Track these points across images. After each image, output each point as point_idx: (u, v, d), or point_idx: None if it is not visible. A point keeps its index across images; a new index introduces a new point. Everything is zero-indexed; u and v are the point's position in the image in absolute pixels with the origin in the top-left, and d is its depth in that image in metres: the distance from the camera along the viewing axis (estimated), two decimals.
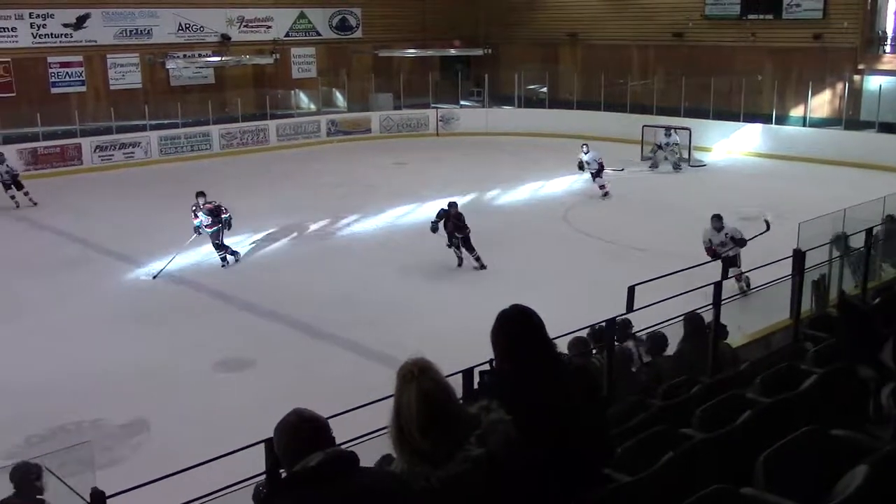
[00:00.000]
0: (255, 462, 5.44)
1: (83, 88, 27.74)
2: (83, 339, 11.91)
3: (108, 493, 5.45)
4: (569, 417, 3.40)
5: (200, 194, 15.65)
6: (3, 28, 26.11)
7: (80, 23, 27.48)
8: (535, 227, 18.05)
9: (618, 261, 14.80)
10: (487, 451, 2.99)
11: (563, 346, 7.05)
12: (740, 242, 13.03)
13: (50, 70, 27.13)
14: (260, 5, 31.21)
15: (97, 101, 27.58)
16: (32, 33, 26.66)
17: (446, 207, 15.08)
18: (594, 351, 7.44)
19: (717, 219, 13.28)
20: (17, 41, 26.38)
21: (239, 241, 16.92)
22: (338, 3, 32.96)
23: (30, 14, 26.51)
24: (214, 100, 28.66)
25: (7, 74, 26.29)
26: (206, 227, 15.36)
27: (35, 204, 20.49)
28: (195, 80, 29.84)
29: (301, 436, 2.99)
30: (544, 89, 31.35)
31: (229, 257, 15.64)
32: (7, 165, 20.69)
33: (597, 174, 20.48)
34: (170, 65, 29.03)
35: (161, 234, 17.32)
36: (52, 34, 27.04)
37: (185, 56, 29.45)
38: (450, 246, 15.03)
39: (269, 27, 31.57)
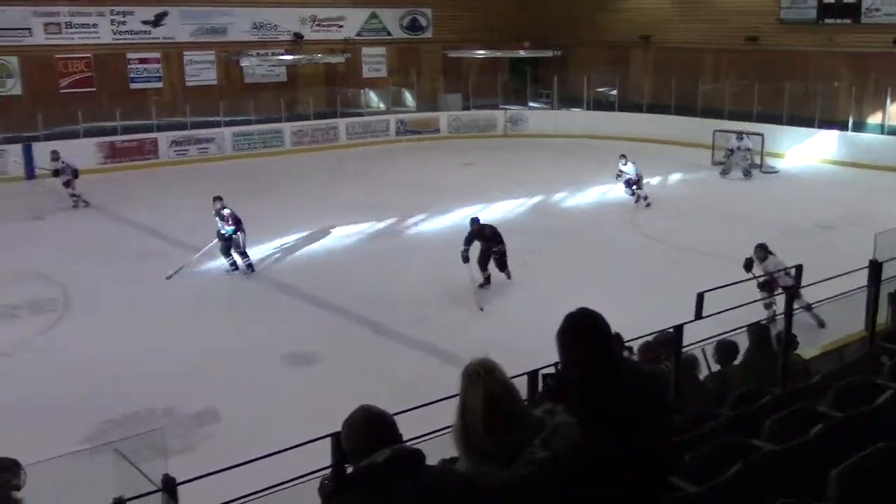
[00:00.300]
0: (322, 456, 5.54)
1: (160, 84, 28.45)
2: (157, 328, 12.22)
3: (178, 480, 5.60)
4: (634, 423, 3.38)
5: (217, 199, 15.35)
6: (85, 24, 26.92)
7: (158, 20, 28.19)
8: (601, 230, 17.91)
9: (685, 266, 14.60)
10: (552, 454, 2.99)
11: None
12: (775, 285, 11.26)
13: (129, 66, 27.89)
14: (332, 5, 31.59)
15: (173, 97, 28.24)
16: (113, 30, 27.43)
17: (472, 227, 13.86)
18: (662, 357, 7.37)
19: (760, 249, 11.97)
20: (98, 37, 27.17)
21: (307, 237, 17.22)
22: (409, 4, 33.16)
23: (110, 11, 27.29)
24: (287, 97, 29.12)
25: (88, 70, 27.09)
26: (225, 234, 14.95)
27: (84, 205, 20.27)
28: (268, 78, 30.35)
29: (368, 432, 3.02)
30: (614, 91, 31.07)
31: (241, 264, 15.06)
32: (62, 162, 20.52)
33: (636, 185, 19.97)
34: (244, 62, 29.54)
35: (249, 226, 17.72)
36: (131, 31, 27.79)
37: (258, 54, 29.96)
38: (484, 268, 13.79)
39: (341, 26, 31.92)
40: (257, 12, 30.03)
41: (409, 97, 32.39)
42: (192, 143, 26.89)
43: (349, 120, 30.01)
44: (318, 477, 5.58)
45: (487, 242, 13.71)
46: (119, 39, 27.61)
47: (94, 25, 27.10)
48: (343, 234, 17.62)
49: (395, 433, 3.07)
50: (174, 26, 28.49)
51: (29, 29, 26.05)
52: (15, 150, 24.03)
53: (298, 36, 30.78)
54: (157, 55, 28.36)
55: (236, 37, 29.68)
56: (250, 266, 15.01)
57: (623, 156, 20.34)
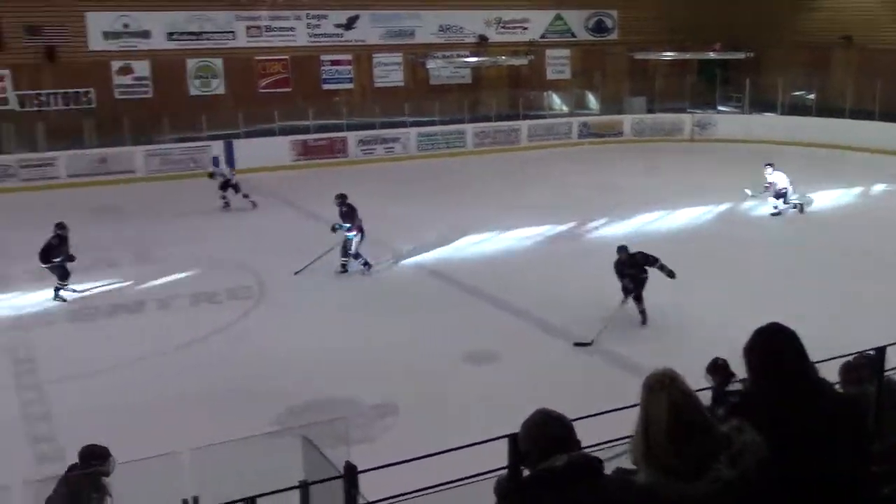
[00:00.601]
0: (498, 456, 5.59)
1: (351, 86, 29.52)
2: (342, 321, 12.71)
3: (358, 469, 5.82)
4: (826, 447, 3.21)
5: (337, 196, 15.51)
6: (284, 28, 28.36)
7: (350, 23, 29.28)
8: (792, 239, 17.06)
9: (887, 282, 13.65)
10: (740, 472, 2.88)
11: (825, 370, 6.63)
12: None
13: (322, 68, 29.10)
14: (517, 7, 31.68)
15: (363, 97, 29.23)
16: (308, 33, 28.74)
17: (620, 256, 12.31)
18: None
19: None
20: (294, 40, 28.56)
21: (488, 238, 17.41)
22: (594, 5, 32.79)
23: (306, 15, 28.60)
24: (470, 99, 29.50)
25: (285, 71, 28.52)
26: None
27: (255, 206, 20.56)
28: (453, 80, 30.85)
29: (547, 435, 3.01)
30: (811, 95, 29.46)
31: (358, 266, 15.20)
32: (221, 166, 21.03)
33: (783, 197, 18.68)
34: (430, 64, 30.17)
35: (419, 226, 18.27)
36: (325, 34, 29.01)
37: (444, 56, 30.51)
38: (625, 300, 12.34)
39: (526, 28, 31.99)
40: (444, 15, 30.58)
41: (592, 99, 32.04)
42: (379, 143, 27.77)
43: (531, 122, 30.04)
44: (494, 477, 5.64)
45: (635, 269, 12.32)
46: (314, 42, 28.90)
47: (292, 29, 28.51)
48: (523, 236, 17.67)
49: (573, 438, 3.05)
50: (365, 29, 29.50)
51: (233, 32, 27.73)
52: (217, 147, 25.63)
53: (483, 38, 31.11)
54: (348, 57, 29.46)
55: (423, 39, 30.36)
56: (366, 264, 15.12)
57: (769, 164, 19.12)
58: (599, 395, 8.25)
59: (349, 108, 28.13)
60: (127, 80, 26.53)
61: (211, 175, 20.71)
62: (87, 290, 14.20)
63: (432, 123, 28.54)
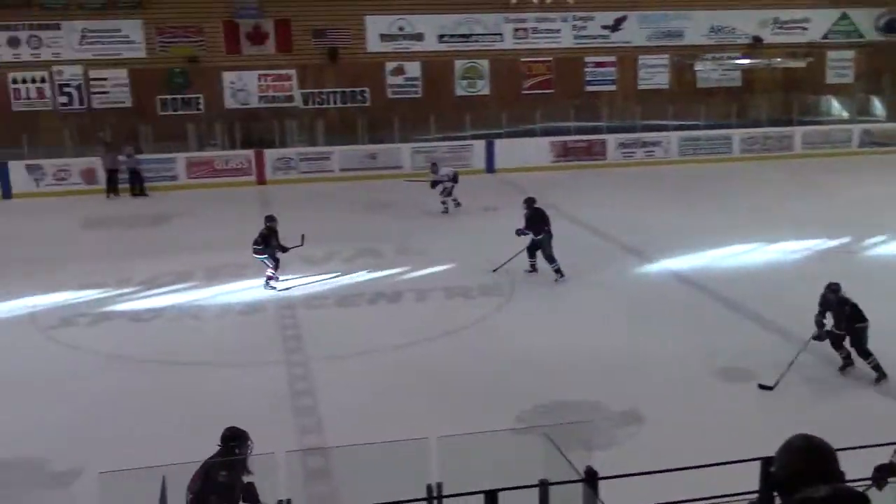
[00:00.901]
0: (746, 478, 5.30)
1: (613, 88, 29.23)
2: (592, 323, 12.60)
3: (600, 475, 5.73)
4: None
5: (527, 201, 15.22)
6: (549, 30, 28.58)
7: (616, 25, 28.99)
8: None
9: None
10: None
11: None
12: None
13: (585, 69, 29.04)
14: (797, 6, 29.89)
15: (625, 100, 28.86)
16: (573, 35, 28.79)
17: (827, 294, 10.44)
18: None
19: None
20: (559, 42, 28.71)
21: (751, 249, 16.58)
22: (888, 2, 30.22)
23: (573, 17, 28.65)
24: (739, 103, 28.30)
25: (549, 72, 28.75)
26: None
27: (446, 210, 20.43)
28: (722, 83, 29.70)
29: (808, 463, 2.81)
30: None
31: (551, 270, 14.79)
32: (441, 172, 20.57)
33: None
34: (698, 66, 29.22)
35: (676, 232, 17.75)
36: (590, 35, 28.94)
37: (713, 58, 29.41)
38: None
39: (805, 28, 30.14)
40: (715, 15, 29.50)
41: (878, 105, 29.56)
42: (639, 146, 27.31)
43: (806, 128, 28.27)
44: (742, 500, 5.33)
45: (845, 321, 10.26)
46: (579, 44, 28.91)
47: (557, 31, 28.69)
48: (789, 250, 16.62)
49: (836, 469, 2.83)
50: (631, 31, 29.10)
51: (500, 34, 28.35)
52: (479, 146, 26.36)
53: (757, 39, 29.65)
54: (612, 59, 29.19)
55: (692, 40, 29.46)
56: (558, 272, 14.68)
57: None
58: (864, 428, 7.60)
59: (610, 110, 27.88)
60: (399, 80, 27.92)
61: (433, 184, 20.53)
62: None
63: (696, 127, 27.67)
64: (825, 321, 10.34)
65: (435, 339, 12.09)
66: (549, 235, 14.75)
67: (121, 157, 23.75)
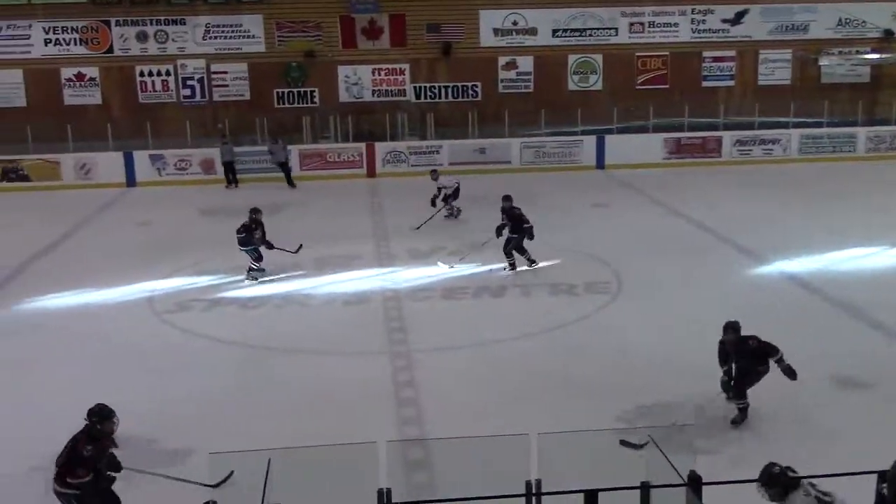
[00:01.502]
0: (860, 491, 5.07)
1: (731, 83, 28.39)
2: (697, 323, 12.20)
3: (703, 479, 5.57)
4: None
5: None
6: (667, 24, 27.99)
7: (738, 18, 28.12)
8: None
9: None
10: None
11: None
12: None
13: (703, 64, 28.28)
14: None
15: (743, 96, 28.03)
16: (692, 28, 28.09)
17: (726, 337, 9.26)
18: None
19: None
20: (677, 36, 28.07)
21: (874, 253, 15.83)
22: None
23: (691, 10, 27.97)
24: (865, 99, 27.10)
25: (664, 67, 28.14)
26: None
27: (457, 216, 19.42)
28: (847, 78, 28.46)
29: None
30: None
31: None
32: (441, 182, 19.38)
33: None
34: (823, 61, 28.06)
35: (793, 233, 17.20)
36: (709, 29, 28.18)
37: (840, 52, 28.20)
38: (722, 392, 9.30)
39: None
40: (843, 8, 28.26)
41: None
42: (757, 144, 26.46)
43: None
44: None
45: (746, 359, 9.05)
46: (697, 38, 28.19)
47: (675, 24, 28.05)
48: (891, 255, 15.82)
49: None
50: (753, 24, 28.20)
51: (615, 28, 27.91)
52: (590, 142, 26.04)
53: (889, 33, 28.27)
54: (731, 53, 28.34)
55: (817, 34, 28.32)
56: (512, 266, 14.91)
57: None
58: None
59: (727, 106, 27.12)
60: (511, 74, 27.84)
61: (433, 200, 19.14)
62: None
63: (818, 125, 26.66)
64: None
65: (538, 334, 12.01)
66: (524, 234, 14.80)
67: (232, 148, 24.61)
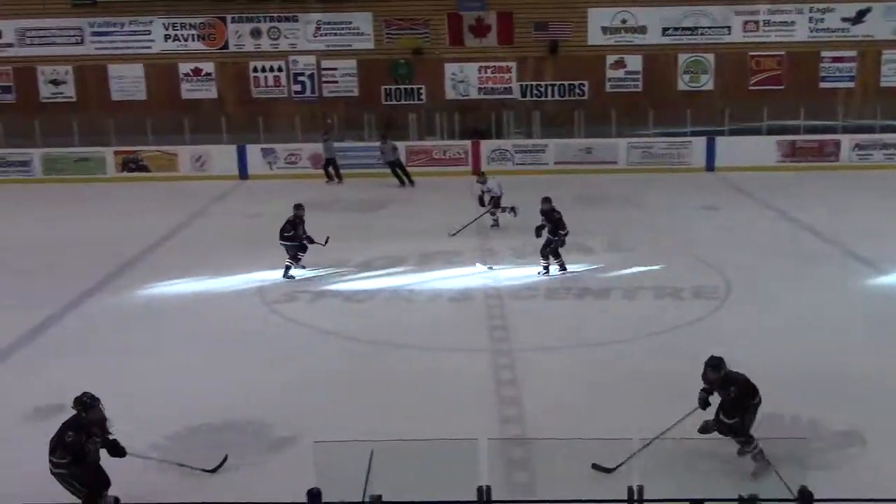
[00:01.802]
0: None
1: (852, 84, 27.32)
2: (810, 334, 11.87)
3: (815, 497, 5.39)
4: None
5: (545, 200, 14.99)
6: (783, 22, 27.13)
7: (859, 17, 27.04)
8: None
9: None
10: None
11: None
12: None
13: (821, 64, 27.30)
14: None
15: (864, 98, 26.93)
16: (809, 27, 27.17)
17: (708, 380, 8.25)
18: None
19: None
20: (793, 35, 27.18)
21: None
22: None
23: (810, 9, 27.04)
24: None
25: (779, 67, 27.30)
26: None
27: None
28: None
29: None
30: None
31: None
32: (489, 185, 18.57)
33: None
34: None
35: None
36: (828, 28, 27.20)
37: None
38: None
39: None
40: None
41: None
42: (878, 148, 25.41)
43: None
44: None
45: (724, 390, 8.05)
46: (815, 37, 27.23)
47: (792, 23, 27.17)
48: None
49: None
50: (876, 23, 27.05)
51: (728, 27, 27.22)
52: (699, 143, 25.48)
53: None
54: (852, 53, 27.26)
55: None
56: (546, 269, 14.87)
57: None
58: None
59: (846, 108, 26.11)
60: (619, 73, 27.48)
61: (481, 201, 18.68)
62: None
63: None
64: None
65: (642, 338, 11.82)
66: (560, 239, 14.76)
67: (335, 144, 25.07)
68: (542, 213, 14.96)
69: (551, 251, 14.84)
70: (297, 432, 8.80)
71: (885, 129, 25.64)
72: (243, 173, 25.75)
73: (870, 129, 25.73)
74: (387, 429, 8.34)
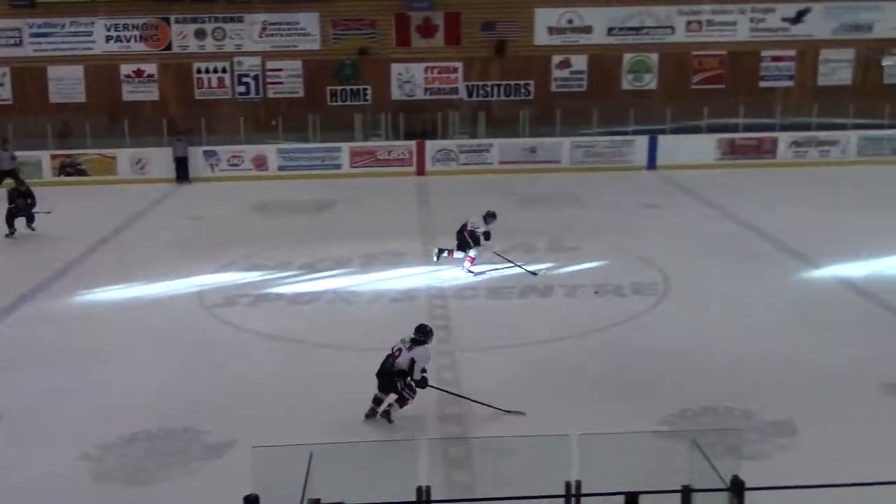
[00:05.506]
0: None
1: (790, 83, 27.84)
2: (748, 328, 12.08)
3: (747, 485, 5.45)
4: None
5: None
6: (725, 22, 27.58)
7: (799, 17, 27.56)
8: None
9: None
10: None
11: None
12: None
13: (761, 64, 27.78)
14: None
15: (801, 96, 27.44)
16: (750, 27, 27.62)
17: None
18: None
19: None
20: (734, 35, 27.62)
21: None
22: None
23: (751, 9, 27.50)
24: None
25: (720, 67, 27.70)
26: None
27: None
28: None
29: None
30: None
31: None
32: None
33: None
34: (886, 62, 27.40)
35: (847, 237, 16.81)
36: (769, 28, 27.68)
37: None
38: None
39: None
40: None
41: None
42: (814, 145, 25.93)
43: None
44: None
45: None
46: (755, 37, 27.70)
47: (733, 23, 27.61)
48: None
49: None
50: (814, 23, 27.59)
51: (672, 27, 27.55)
52: (642, 142, 25.76)
53: None
54: (791, 53, 27.79)
55: (882, 34, 27.64)
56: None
57: None
58: None
59: (784, 106, 26.61)
60: (564, 73, 27.64)
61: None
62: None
63: (880, 127, 26.00)
64: None
65: (583, 335, 11.92)
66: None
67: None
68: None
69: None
70: (235, 437, 8.70)
71: (820, 127, 26.16)
72: (184, 176, 25.33)
73: (806, 127, 26.24)
74: (327, 431, 8.28)
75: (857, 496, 5.56)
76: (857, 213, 18.94)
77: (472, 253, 15.03)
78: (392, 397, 9.22)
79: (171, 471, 8.22)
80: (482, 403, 9.30)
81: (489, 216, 15.19)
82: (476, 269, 15.06)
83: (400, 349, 9.28)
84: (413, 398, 9.20)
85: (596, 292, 13.80)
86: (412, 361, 9.18)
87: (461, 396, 9.53)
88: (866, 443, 8.52)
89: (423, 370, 9.22)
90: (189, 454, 8.54)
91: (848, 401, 9.65)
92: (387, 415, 9.18)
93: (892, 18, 27.52)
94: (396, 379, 9.19)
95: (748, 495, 5.45)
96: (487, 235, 15.24)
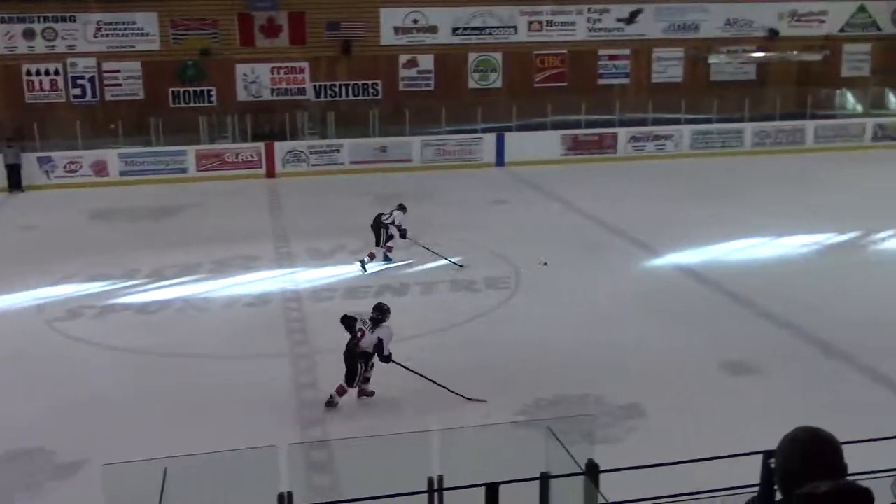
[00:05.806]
0: (749, 472, 5.23)
1: (627, 81, 29.09)
2: (596, 318, 12.54)
3: (601, 468, 5.68)
4: None
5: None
6: (565, 22, 28.46)
7: (632, 17, 28.81)
8: None
9: None
10: None
11: None
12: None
13: (599, 62, 28.88)
14: None
15: (637, 93, 28.72)
16: (588, 27, 28.67)
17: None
18: None
19: None
20: (574, 35, 28.58)
21: (760, 243, 16.47)
22: None
23: (588, 9, 28.52)
24: (752, 97, 28.08)
25: (562, 65, 28.63)
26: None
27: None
28: (735, 76, 29.56)
29: (811, 456, 2.73)
30: None
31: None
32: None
33: None
34: (712, 60, 29.07)
35: (684, 226, 17.67)
36: (605, 28, 28.81)
37: (728, 51, 29.26)
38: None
39: (823, 21, 29.93)
40: (732, 8, 29.36)
41: (892, 99, 29.31)
42: (651, 140, 27.17)
43: (819, 122, 28.06)
44: (742, 494, 5.26)
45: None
46: (593, 37, 28.77)
47: (573, 23, 28.56)
48: (799, 244, 16.51)
49: (840, 463, 2.75)
50: (647, 24, 28.96)
51: (514, 27, 28.24)
52: (490, 139, 26.27)
53: (773, 32, 29.45)
54: (626, 52, 29.03)
55: (708, 34, 29.33)
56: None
57: None
58: (868, 421, 7.53)
59: (623, 103, 27.76)
60: (412, 72, 27.85)
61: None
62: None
63: (708, 121, 27.52)
64: None
65: (439, 331, 12.07)
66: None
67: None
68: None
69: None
70: (84, 457, 8.31)
71: (655, 122, 27.44)
72: (17, 184, 23.89)
73: (643, 123, 27.48)
74: (184, 445, 8.01)
75: (706, 470, 5.87)
76: (694, 203, 19.99)
77: (389, 243, 15.20)
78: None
79: (19, 496, 7.77)
80: (447, 388, 9.51)
81: (402, 208, 15.33)
82: (371, 266, 15.08)
83: (362, 331, 9.53)
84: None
85: (545, 263, 14.30)
86: (380, 341, 9.55)
87: (426, 378, 9.66)
88: (711, 419, 9.04)
89: None
90: (36, 476, 8.10)
91: (691, 381, 10.19)
92: (364, 392, 9.76)
93: (716, 19, 29.23)
94: (359, 360, 9.52)
95: (603, 477, 5.67)
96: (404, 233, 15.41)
